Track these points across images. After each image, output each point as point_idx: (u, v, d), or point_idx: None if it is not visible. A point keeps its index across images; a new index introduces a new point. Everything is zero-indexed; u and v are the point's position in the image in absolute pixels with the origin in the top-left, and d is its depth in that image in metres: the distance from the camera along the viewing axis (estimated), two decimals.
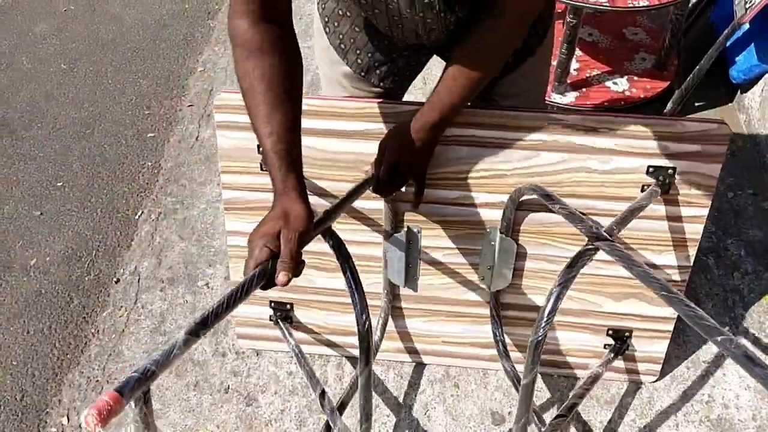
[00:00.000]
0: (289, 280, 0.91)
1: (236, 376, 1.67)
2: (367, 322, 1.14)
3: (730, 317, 1.77)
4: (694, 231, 1.38)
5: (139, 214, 2.15)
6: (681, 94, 2.28)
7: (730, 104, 2.43)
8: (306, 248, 0.97)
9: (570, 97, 2.28)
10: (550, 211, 1.33)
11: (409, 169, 1.27)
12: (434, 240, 1.45)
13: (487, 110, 1.30)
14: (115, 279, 1.94)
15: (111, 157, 2.36)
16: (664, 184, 1.31)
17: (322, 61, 1.40)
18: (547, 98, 2.26)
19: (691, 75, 2.22)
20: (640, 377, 1.62)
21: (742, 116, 2.36)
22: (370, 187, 1.28)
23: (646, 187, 1.32)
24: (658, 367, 1.61)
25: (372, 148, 1.29)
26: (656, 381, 1.63)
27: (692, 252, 1.41)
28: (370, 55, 1.30)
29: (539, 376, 1.63)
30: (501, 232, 1.41)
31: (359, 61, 1.31)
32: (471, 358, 1.64)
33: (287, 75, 1.02)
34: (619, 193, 1.33)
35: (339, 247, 1.12)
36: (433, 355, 1.66)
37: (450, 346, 1.63)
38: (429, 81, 2.43)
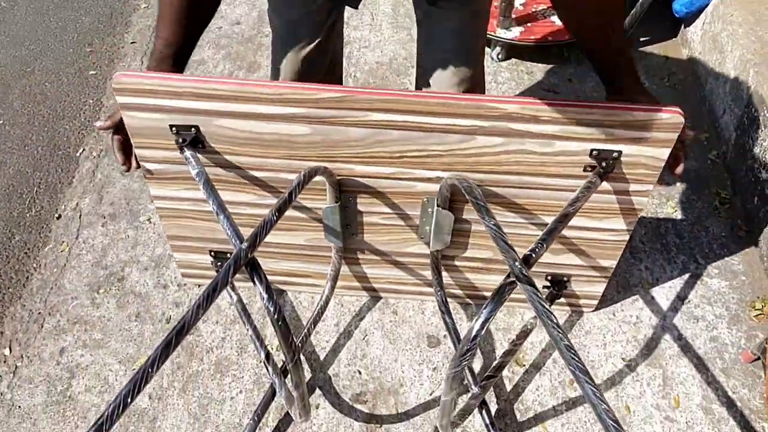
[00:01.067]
0: None
1: (178, 306, 1.69)
2: (295, 351, 1.11)
3: (662, 244, 1.82)
4: (639, 203, 1.36)
5: (80, 151, 2.12)
6: (624, 29, 2.30)
7: (674, 39, 2.45)
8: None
9: (515, 32, 2.28)
10: (490, 184, 1.33)
11: None
12: (372, 206, 1.44)
13: (418, 98, 1.21)
14: (56, 215, 1.93)
15: (52, 95, 2.32)
16: (607, 165, 1.26)
17: None
18: (491, 32, 2.25)
19: (633, 9, 2.24)
20: (579, 309, 1.68)
21: (684, 50, 2.39)
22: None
23: (588, 167, 1.28)
24: (595, 302, 1.65)
25: (293, 130, 1.25)
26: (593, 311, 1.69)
27: (635, 218, 1.39)
28: None
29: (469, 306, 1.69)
30: (438, 206, 1.39)
31: None
32: (418, 294, 1.68)
33: None
34: (560, 171, 1.30)
35: (258, 274, 1.07)
36: (382, 292, 1.70)
37: (396, 285, 1.66)
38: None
